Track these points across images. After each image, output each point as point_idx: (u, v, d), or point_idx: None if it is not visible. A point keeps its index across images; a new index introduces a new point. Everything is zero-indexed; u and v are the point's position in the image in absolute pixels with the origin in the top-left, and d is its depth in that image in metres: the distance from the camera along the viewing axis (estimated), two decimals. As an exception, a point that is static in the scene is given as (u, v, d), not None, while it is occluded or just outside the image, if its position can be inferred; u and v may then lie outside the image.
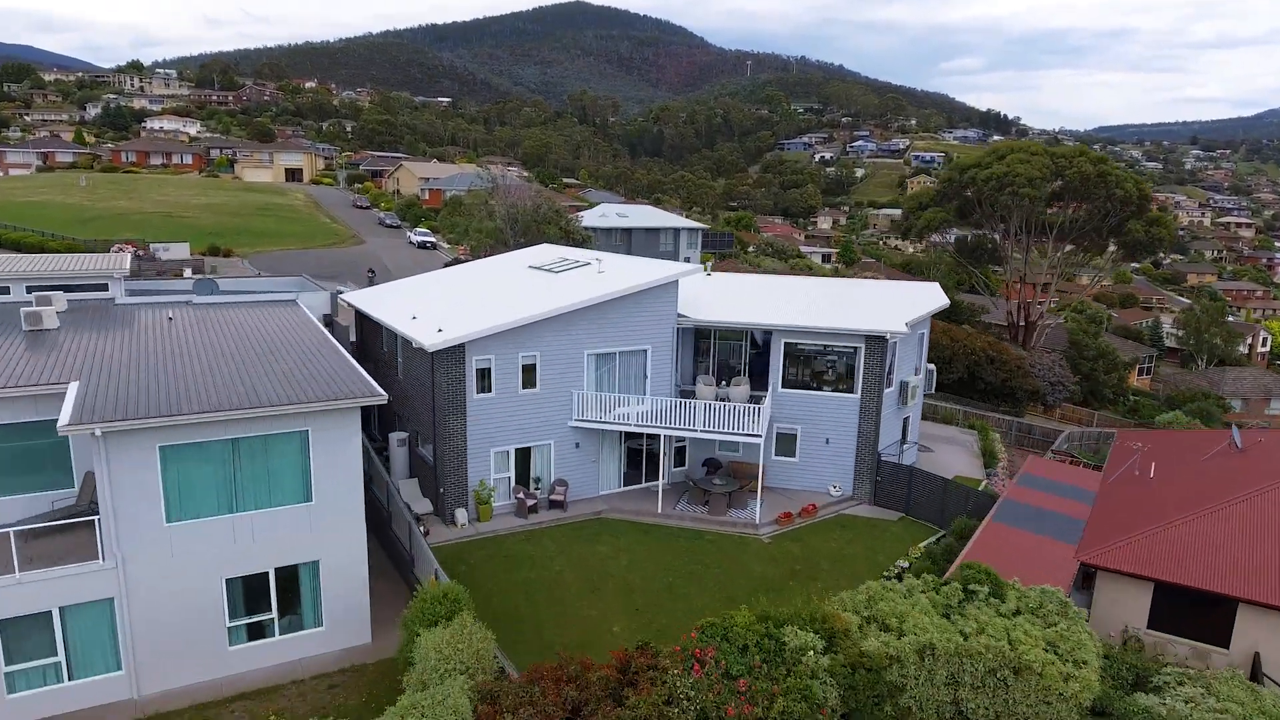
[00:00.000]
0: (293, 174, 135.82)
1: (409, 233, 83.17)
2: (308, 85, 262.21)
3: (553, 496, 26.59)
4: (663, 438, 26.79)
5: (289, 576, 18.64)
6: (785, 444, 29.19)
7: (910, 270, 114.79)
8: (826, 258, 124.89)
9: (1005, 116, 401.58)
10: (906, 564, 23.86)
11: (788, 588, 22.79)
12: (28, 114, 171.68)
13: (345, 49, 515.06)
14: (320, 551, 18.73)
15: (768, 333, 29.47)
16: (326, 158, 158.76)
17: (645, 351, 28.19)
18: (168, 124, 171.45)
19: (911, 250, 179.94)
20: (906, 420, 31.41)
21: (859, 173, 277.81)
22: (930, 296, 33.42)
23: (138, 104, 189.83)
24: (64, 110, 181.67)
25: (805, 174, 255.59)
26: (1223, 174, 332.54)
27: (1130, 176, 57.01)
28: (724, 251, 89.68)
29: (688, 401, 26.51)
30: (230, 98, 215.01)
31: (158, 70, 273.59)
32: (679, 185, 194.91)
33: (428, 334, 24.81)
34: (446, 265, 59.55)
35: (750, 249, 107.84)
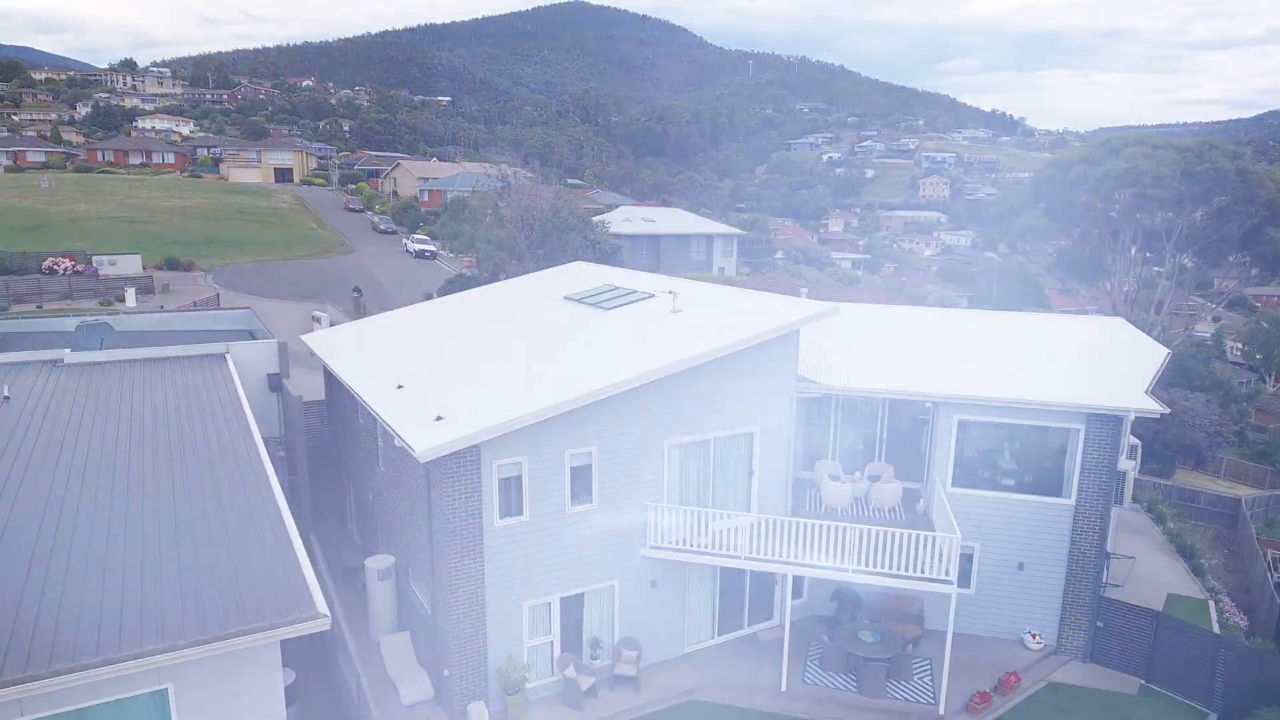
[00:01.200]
0: (283, 174, 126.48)
1: (406, 240, 73.80)
2: (304, 84, 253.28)
3: (619, 669, 17.16)
4: (789, 578, 17.32)
5: None
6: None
7: (945, 278, 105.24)
8: (858, 264, 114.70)
9: (1011, 116, 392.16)
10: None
11: None
12: (16, 113, 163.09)
13: (343, 49, 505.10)
14: None
15: (930, 404, 20.00)
16: (320, 156, 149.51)
17: (750, 436, 18.77)
18: (160, 123, 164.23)
19: (928, 253, 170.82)
20: (1110, 524, 21.99)
21: (869, 174, 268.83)
22: (1136, 342, 23.80)
23: (130, 103, 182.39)
24: (54, 109, 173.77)
25: (814, 175, 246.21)
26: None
27: (1273, 175, 47.77)
28: (763, 261, 79.93)
29: (829, 525, 17.05)
30: (225, 96, 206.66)
31: (151, 69, 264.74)
32: (686, 186, 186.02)
33: (420, 426, 15.41)
34: (449, 282, 50.15)
35: (779, 255, 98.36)
